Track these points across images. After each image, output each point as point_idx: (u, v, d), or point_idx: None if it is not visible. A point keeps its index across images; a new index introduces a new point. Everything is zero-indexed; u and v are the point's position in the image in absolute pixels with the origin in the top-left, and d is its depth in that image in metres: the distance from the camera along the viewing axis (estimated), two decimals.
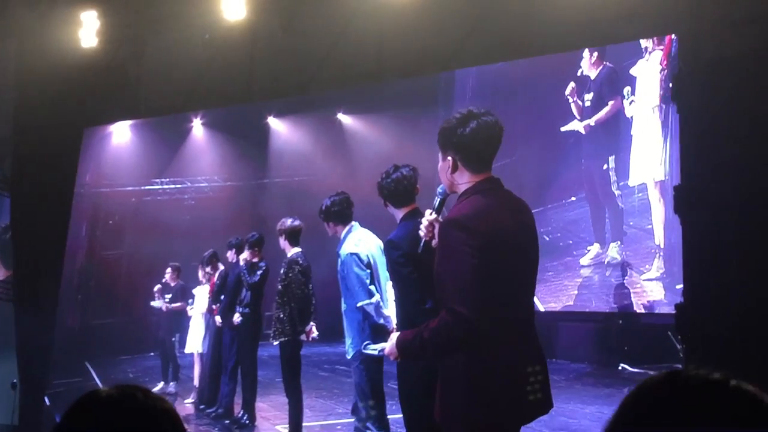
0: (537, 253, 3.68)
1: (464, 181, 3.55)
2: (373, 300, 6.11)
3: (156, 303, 11.26)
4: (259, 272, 9.05)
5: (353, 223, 6.61)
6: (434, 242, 3.66)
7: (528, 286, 3.65)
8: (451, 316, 3.32)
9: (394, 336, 3.75)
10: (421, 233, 3.74)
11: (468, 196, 3.51)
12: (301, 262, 7.99)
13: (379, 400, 6.28)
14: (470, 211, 3.42)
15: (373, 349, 4.25)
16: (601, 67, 8.87)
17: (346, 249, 6.39)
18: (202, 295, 10.57)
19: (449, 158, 3.55)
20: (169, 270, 11.26)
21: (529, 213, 3.71)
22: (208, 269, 10.39)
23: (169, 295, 11.18)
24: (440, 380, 3.57)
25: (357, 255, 6.27)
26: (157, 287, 11.30)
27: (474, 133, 3.48)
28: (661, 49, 8.15)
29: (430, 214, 3.73)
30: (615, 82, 8.73)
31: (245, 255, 9.20)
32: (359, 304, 6.11)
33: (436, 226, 3.65)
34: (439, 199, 3.78)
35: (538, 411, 3.57)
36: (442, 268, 3.41)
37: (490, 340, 3.37)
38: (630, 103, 8.55)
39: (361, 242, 6.39)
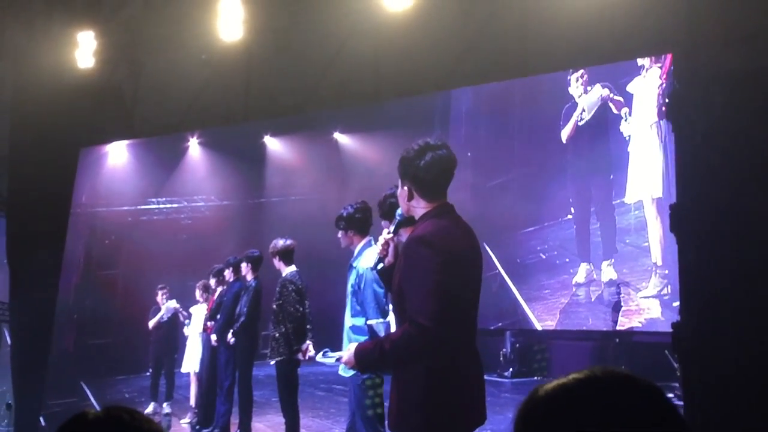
0: (481, 274, 3.91)
1: (420, 206, 3.79)
2: (387, 319, 5.97)
3: (163, 311, 11.19)
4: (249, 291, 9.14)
5: (370, 237, 6.34)
6: (387, 260, 3.92)
7: (476, 304, 3.86)
8: (415, 328, 3.51)
9: (353, 346, 3.91)
10: (377, 251, 3.99)
11: (427, 219, 3.74)
12: (295, 281, 7.96)
13: (380, 418, 6.22)
14: (434, 229, 3.65)
15: (331, 356, 4.24)
16: (591, 88, 8.88)
17: (365, 263, 6.12)
18: (199, 314, 10.54)
19: (406, 187, 3.81)
20: (160, 293, 11.24)
21: (476, 238, 3.91)
22: (212, 282, 10.30)
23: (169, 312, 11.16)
24: (397, 389, 3.75)
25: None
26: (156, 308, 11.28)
27: (428, 166, 3.73)
28: (659, 67, 8.17)
29: (387, 233, 3.97)
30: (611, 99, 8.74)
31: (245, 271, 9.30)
32: (370, 322, 5.93)
33: (391, 245, 3.92)
34: (397, 221, 4.00)
35: (482, 420, 3.78)
36: (406, 282, 3.63)
37: (447, 351, 3.58)
38: (627, 121, 8.56)
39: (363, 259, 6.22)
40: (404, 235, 3.99)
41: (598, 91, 8.84)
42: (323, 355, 4.30)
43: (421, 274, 3.56)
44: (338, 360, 4.08)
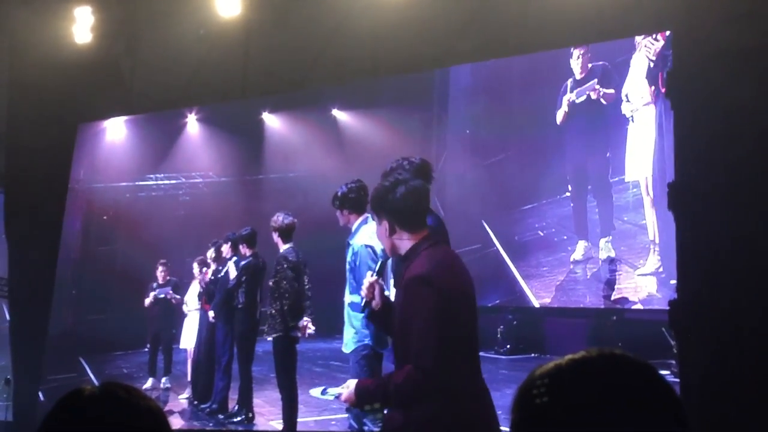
0: (476, 300, 3.87)
1: (404, 239, 3.71)
2: None
3: (156, 294, 11.19)
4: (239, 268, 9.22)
5: (367, 214, 6.33)
6: (375, 303, 3.84)
7: (476, 333, 3.82)
8: (419, 373, 3.47)
9: (352, 383, 3.83)
10: (363, 293, 3.89)
11: (419, 252, 3.67)
12: (290, 257, 7.98)
13: None
14: (431, 266, 3.59)
15: (330, 394, 4.09)
16: (591, 65, 8.85)
17: (360, 240, 6.19)
18: (197, 290, 10.56)
19: (385, 222, 3.72)
20: (160, 267, 11.24)
21: (463, 262, 3.89)
22: (209, 253, 10.27)
23: (170, 290, 11.16)
24: (397, 414, 3.68)
25: (372, 248, 6.06)
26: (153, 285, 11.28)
27: (404, 197, 3.66)
28: (652, 43, 8.14)
29: (371, 275, 3.89)
30: (609, 80, 8.71)
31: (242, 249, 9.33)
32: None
33: (377, 288, 3.83)
34: (380, 262, 4.02)
35: None
36: (408, 324, 3.57)
37: (452, 389, 3.53)
38: (626, 99, 8.55)
39: (375, 235, 6.22)
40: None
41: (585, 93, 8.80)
42: (322, 392, 4.15)
43: (423, 315, 3.50)
44: (337, 397, 3.90)
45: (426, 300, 3.49)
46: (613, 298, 8.56)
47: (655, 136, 8.21)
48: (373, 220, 4.03)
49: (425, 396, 3.52)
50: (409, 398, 3.57)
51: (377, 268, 3.97)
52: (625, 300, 8.45)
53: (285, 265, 7.94)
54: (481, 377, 3.80)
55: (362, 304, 3.95)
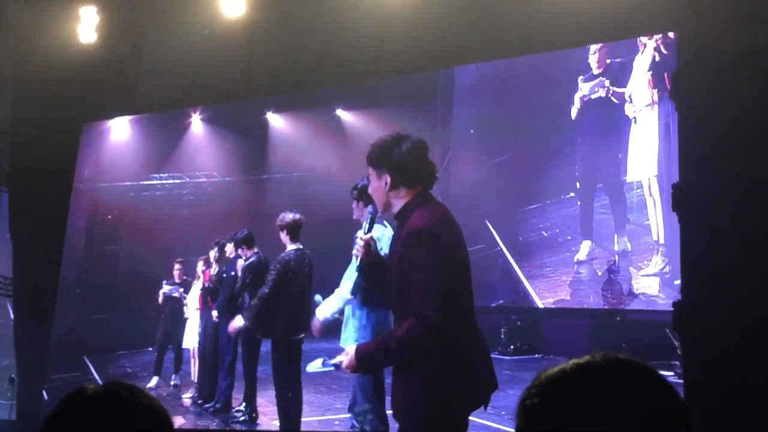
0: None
1: (401, 196, 3.73)
2: None
3: (167, 289, 11.19)
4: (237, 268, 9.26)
5: (380, 214, 6.40)
6: (369, 258, 3.86)
7: (471, 286, 3.82)
8: (422, 322, 3.48)
9: (352, 349, 3.81)
10: (355, 253, 3.90)
11: (416, 208, 3.69)
12: (288, 263, 7.95)
13: (379, 395, 6.24)
14: (430, 219, 3.62)
15: (330, 364, 4.05)
16: (609, 62, 8.82)
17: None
18: (198, 289, 10.56)
19: (386, 176, 3.71)
20: (177, 266, 11.24)
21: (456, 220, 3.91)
22: (212, 254, 10.32)
23: (181, 289, 11.18)
24: (402, 379, 3.71)
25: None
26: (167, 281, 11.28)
27: (409, 151, 3.69)
28: (657, 44, 8.13)
29: (365, 233, 3.93)
30: (624, 79, 8.69)
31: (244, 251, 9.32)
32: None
33: (372, 245, 3.87)
34: (369, 218, 4.03)
35: (490, 392, 3.77)
36: (408, 278, 3.57)
37: (454, 341, 3.56)
38: (629, 101, 8.54)
39: (382, 234, 6.24)
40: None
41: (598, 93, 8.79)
42: (323, 364, 4.13)
43: (424, 266, 3.53)
44: (337, 366, 3.89)
45: (427, 252, 3.52)
46: (616, 298, 8.55)
47: (658, 137, 8.19)
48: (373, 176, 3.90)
49: (427, 350, 3.53)
50: (412, 351, 3.58)
51: (367, 225, 4.00)
52: (628, 301, 8.43)
53: (276, 269, 7.97)
54: (479, 329, 3.84)
55: (357, 262, 3.94)
